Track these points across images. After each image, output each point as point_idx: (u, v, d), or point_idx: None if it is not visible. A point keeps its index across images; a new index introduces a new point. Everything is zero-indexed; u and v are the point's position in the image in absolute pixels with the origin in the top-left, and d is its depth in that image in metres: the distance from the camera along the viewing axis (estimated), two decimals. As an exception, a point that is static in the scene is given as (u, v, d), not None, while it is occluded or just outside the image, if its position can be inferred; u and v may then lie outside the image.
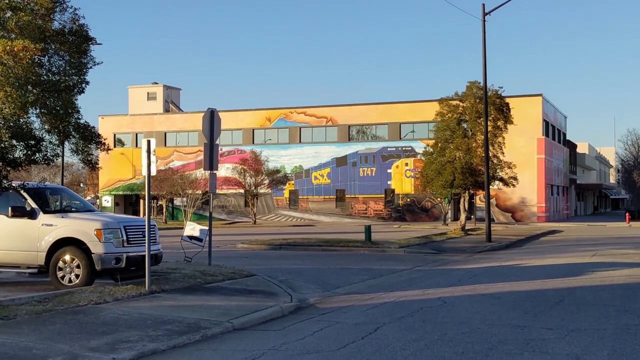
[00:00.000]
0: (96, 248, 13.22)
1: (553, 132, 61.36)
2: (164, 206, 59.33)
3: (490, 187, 33.68)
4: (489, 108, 33.53)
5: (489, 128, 33.53)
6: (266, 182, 55.35)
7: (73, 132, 13.80)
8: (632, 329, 9.86)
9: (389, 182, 57.95)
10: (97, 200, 67.20)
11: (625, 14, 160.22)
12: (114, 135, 64.68)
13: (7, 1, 12.42)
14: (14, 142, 12.69)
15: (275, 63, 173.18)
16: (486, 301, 12.57)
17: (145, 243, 12.86)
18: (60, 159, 32.02)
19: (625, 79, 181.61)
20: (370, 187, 58.41)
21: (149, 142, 13.03)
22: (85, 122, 14.00)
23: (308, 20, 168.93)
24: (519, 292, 13.74)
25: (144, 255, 12.89)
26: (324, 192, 60.06)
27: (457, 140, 35.60)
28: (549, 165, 57.30)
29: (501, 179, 37.10)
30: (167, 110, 66.74)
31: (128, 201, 66.98)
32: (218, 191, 54.68)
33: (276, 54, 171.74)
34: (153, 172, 13.20)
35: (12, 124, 12.32)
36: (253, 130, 62.20)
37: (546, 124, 57.13)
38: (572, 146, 74.42)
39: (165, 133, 64.74)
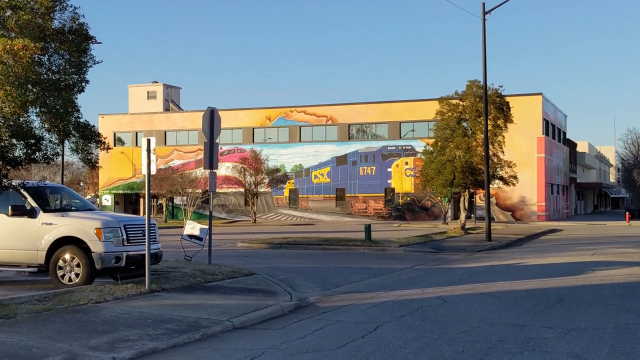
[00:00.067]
0: (96, 247, 13.23)
1: (553, 131, 61.36)
2: (164, 205, 59.33)
3: (490, 186, 33.67)
4: (489, 107, 33.53)
5: (489, 127, 33.53)
6: (266, 181, 55.36)
7: (73, 131, 13.80)
8: (632, 327, 9.87)
9: (389, 181, 57.96)
10: (97, 199, 67.22)
11: (626, 13, 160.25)
12: (114, 134, 64.68)
13: (7, 0, 12.41)
14: (14, 141, 12.68)
15: (275, 62, 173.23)
16: (486, 300, 12.57)
17: (145, 242, 12.86)
18: (60, 158, 32.01)
19: (625, 77, 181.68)
20: (370, 186, 58.42)
21: (149, 141, 13.04)
22: (85, 121, 14.01)
23: (308, 19, 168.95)
24: (519, 291, 13.74)
25: (144, 254, 12.89)
26: (324, 191, 60.06)
27: (457, 139, 35.61)
28: (549, 164, 57.30)
29: (501, 178, 37.11)
30: (167, 109, 66.72)
31: (128, 200, 66.97)
32: (218, 190, 54.69)
33: (276, 53, 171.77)
34: (153, 171, 13.21)
35: (12, 122, 12.31)
36: (253, 129, 62.19)
37: (546, 122, 57.12)
38: (572, 145, 74.42)
39: (165, 132, 64.73)
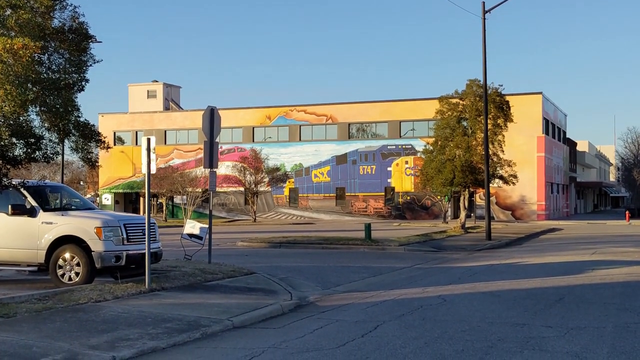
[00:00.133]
0: (96, 246, 13.23)
1: (553, 130, 61.35)
2: (164, 204, 59.34)
3: (490, 185, 33.67)
4: (489, 106, 33.52)
5: (489, 126, 33.53)
6: (266, 180, 55.36)
7: (73, 130, 13.80)
8: (632, 327, 9.87)
9: (389, 180, 57.97)
10: (97, 198, 67.23)
11: (626, 12, 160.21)
12: (114, 133, 64.67)
13: (6, -1, 12.41)
14: (14, 140, 12.69)
15: (275, 61, 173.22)
16: (486, 299, 12.58)
17: (145, 241, 12.86)
18: (60, 157, 32.03)
19: (625, 77, 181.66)
20: (370, 185, 58.43)
21: (148, 140, 13.04)
22: (85, 120, 14.01)
23: (308, 18, 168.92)
24: (519, 290, 13.75)
25: (144, 253, 12.89)
26: (324, 190, 60.07)
27: (457, 138, 35.60)
28: (548, 163, 57.30)
29: (501, 177, 37.11)
30: (167, 108, 66.72)
31: (128, 199, 66.99)
32: (218, 189, 54.67)
33: (276, 52, 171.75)
34: (153, 170, 13.21)
35: (12, 121, 12.31)
36: (253, 128, 62.19)
37: (546, 122, 57.12)
38: (572, 144, 74.40)
39: (165, 131, 64.72)
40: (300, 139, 60.80)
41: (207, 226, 17.81)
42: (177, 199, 59.95)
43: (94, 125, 14.39)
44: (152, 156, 13.05)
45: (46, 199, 14.56)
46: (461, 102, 36.39)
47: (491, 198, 40.11)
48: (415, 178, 51.52)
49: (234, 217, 60.57)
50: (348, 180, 59.23)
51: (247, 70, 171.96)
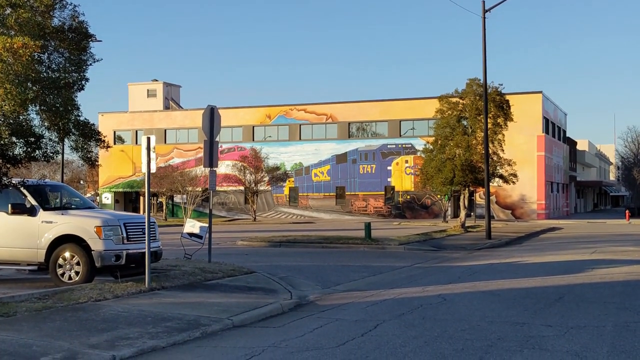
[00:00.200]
0: (96, 245, 13.22)
1: (553, 129, 61.34)
2: (164, 203, 59.34)
3: (490, 184, 33.67)
4: (489, 105, 33.51)
5: (489, 125, 33.52)
6: (266, 179, 55.35)
7: (73, 129, 13.80)
8: (632, 326, 9.87)
9: (388, 179, 57.96)
10: (97, 198, 67.23)
11: (626, 10, 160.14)
12: (114, 132, 64.63)
13: (6, -2, 12.41)
14: (14, 139, 12.68)
15: (275, 60, 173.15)
16: (486, 298, 12.57)
17: (145, 240, 12.86)
18: (60, 156, 32.03)
19: (625, 76, 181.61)
20: (370, 184, 58.43)
21: (148, 139, 13.03)
22: (85, 119, 14.01)
23: (308, 17, 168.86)
24: (519, 289, 13.74)
25: (144, 253, 12.89)
26: (324, 189, 60.07)
27: (457, 138, 35.59)
28: (548, 163, 57.29)
29: (501, 176, 37.10)
30: (167, 107, 66.71)
31: (128, 198, 66.99)
32: (218, 188, 54.66)
33: (277, 51, 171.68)
34: (153, 169, 13.20)
35: (11, 121, 12.31)
36: (253, 127, 62.18)
37: (546, 121, 57.11)
38: (572, 143, 74.40)
39: (165, 130, 64.71)
40: (300, 138, 60.80)
41: (207, 225, 17.81)
42: (177, 198, 59.95)
43: (93, 125, 14.39)
44: (152, 155, 13.04)
45: (46, 198, 14.56)
46: (461, 101, 36.38)
47: (491, 197, 40.10)
48: (415, 177, 51.51)
49: (234, 216, 60.56)
50: (348, 180, 59.23)
51: (247, 70, 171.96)
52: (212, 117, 17.20)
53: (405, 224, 47.45)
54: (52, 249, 13.46)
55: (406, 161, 57.33)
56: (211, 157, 17.20)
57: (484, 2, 30.95)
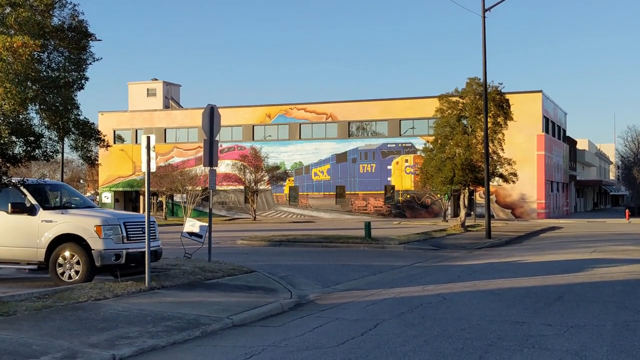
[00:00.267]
0: (96, 244, 13.22)
1: (553, 128, 61.33)
2: (164, 202, 59.34)
3: (490, 183, 33.65)
4: (489, 104, 33.50)
5: (489, 124, 33.51)
6: (266, 178, 55.34)
7: (73, 129, 13.79)
8: (632, 325, 9.86)
9: (388, 179, 57.95)
10: (97, 197, 67.22)
11: (626, 10, 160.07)
12: (114, 131, 64.61)
13: (6, -3, 12.40)
14: (14, 138, 12.68)
15: (275, 59, 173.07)
16: (486, 297, 12.57)
17: (145, 239, 12.86)
18: (59, 155, 32.00)
19: (625, 75, 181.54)
20: (370, 183, 58.42)
21: (148, 138, 13.03)
22: (85, 118, 14.00)
23: (308, 17, 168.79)
24: (519, 288, 13.74)
25: (144, 252, 12.89)
26: (323, 189, 60.06)
27: (457, 137, 35.59)
28: (548, 162, 57.28)
29: (501, 176, 37.10)
30: (166, 106, 66.70)
31: (128, 197, 66.98)
32: (218, 187, 54.68)
33: (277, 50, 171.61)
34: (153, 169, 13.20)
35: (11, 120, 12.31)
36: (253, 126, 62.17)
37: (546, 120, 57.10)
38: (572, 142, 74.39)
39: (165, 129, 64.69)
40: (300, 138, 60.79)
41: (207, 224, 17.80)
42: (177, 198, 59.94)
43: (93, 124, 14.38)
44: (152, 154, 13.04)
45: (46, 197, 14.56)
46: (461, 100, 36.37)
47: (491, 196, 40.10)
48: (415, 176, 51.51)
49: (233, 215, 60.56)
50: (348, 179, 59.21)
51: (247, 69, 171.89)
52: (212, 117, 17.19)
53: (405, 223, 47.45)
54: (52, 248, 13.45)
55: (406, 160, 57.33)
56: (211, 156, 17.20)
57: (483, 1, 30.93)
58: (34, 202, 13.79)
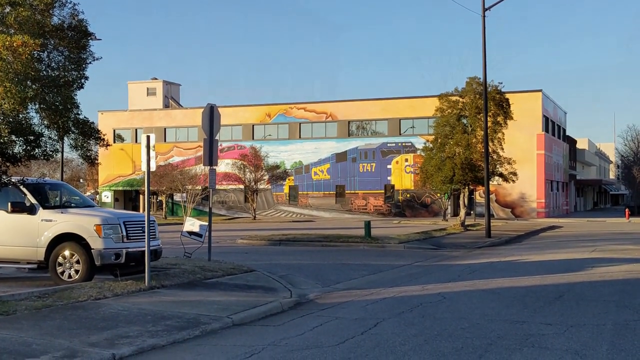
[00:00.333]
0: (96, 243, 13.22)
1: (553, 127, 61.33)
2: (164, 202, 59.33)
3: (490, 182, 33.66)
4: (489, 104, 33.50)
5: (489, 124, 33.51)
6: (266, 177, 55.35)
7: (72, 128, 13.78)
8: (632, 324, 9.87)
9: (388, 178, 57.94)
10: (97, 196, 67.22)
11: (626, 9, 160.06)
12: (114, 130, 64.48)
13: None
14: (14, 137, 12.68)
15: (275, 59, 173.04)
16: (486, 296, 12.57)
17: (144, 239, 12.86)
18: (59, 155, 31.98)
19: (625, 74, 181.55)
20: (370, 182, 58.42)
21: (148, 137, 13.03)
22: (85, 117, 13.99)
23: (308, 16, 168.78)
24: (519, 287, 13.74)
25: (144, 251, 12.89)
26: (323, 188, 60.06)
27: (457, 136, 35.59)
28: (548, 161, 57.28)
29: (501, 175, 37.10)
30: (166, 105, 66.68)
31: (128, 197, 66.97)
32: (218, 187, 54.67)
33: (276, 49, 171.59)
34: (152, 168, 13.19)
35: (11, 119, 12.31)
36: (253, 125, 62.17)
37: (546, 119, 57.10)
38: (571, 142, 74.38)
39: (164, 129, 64.68)
40: (300, 137, 60.78)
41: (206, 224, 17.80)
42: (177, 197, 59.93)
43: (93, 123, 14.37)
44: (152, 154, 13.04)
45: (46, 196, 14.56)
46: (461, 99, 36.37)
47: (491, 196, 40.09)
48: (415, 176, 51.52)
49: (233, 214, 60.56)
50: (348, 178, 59.21)
51: (247, 68, 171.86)
52: (211, 116, 17.19)
53: (405, 222, 47.45)
54: (51, 247, 13.45)
55: (406, 160, 57.32)
56: (211, 155, 17.20)
57: (483, 0, 30.91)
58: (33, 201, 13.79)
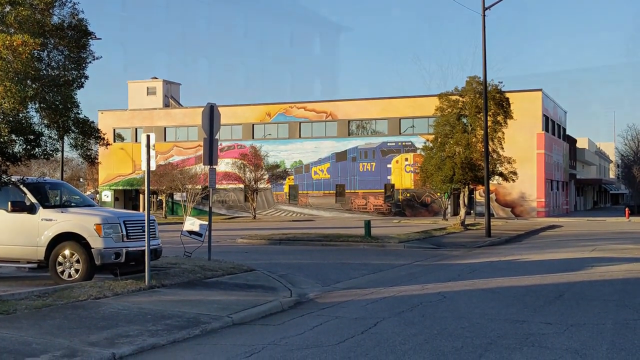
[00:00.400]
0: (96, 243, 13.22)
1: (553, 127, 61.33)
2: (164, 201, 59.32)
3: (490, 182, 33.66)
4: (489, 103, 33.49)
5: (489, 123, 33.51)
6: (266, 177, 55.36)
7: (72, 127, 13.77)
8: (632, 323, 9.87)
9: (388, 177, 57.94)
10: (97, 195, 67.22)
11: (626, 8, 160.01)
12: (114, 130, 64.61)
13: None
14: (14, 136, 12.67)
15: (275, 58, 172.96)
16: (486, 296, 12.58)
17: (144, 238, 12.86)
18: (59, 154, 31.99)
19: (625, 74, 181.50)
20: (370, 182, 58.42)
21: (148, 137, 13.03)
22: (85, 117, 13.98)
23: (308, 15, 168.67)
24: (519, 286, 13.75)
25: (144, 250, 12.89)
26: (323, 187, 60.06)
27: (457, 135, 35.58)
28: (548, 160, 57.29)
29: (501, 174, 37.09)
30: (166, 105, 66.67)
31: (128, 196, 66.97)
32: (218, 186, 54.68)
33: (276, 49, 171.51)
34: (153, 167, 13.20)
35: (11, 118, 12.30)
36: (253, 125, 62.16)
37: (546, 119, 57.10)
38: (571, 141, 74.39)
39: (164, 128, 64.68)
40: (300, 136, 60.78)
41: (206, 223, 17.81)
42: (177, 196, 59.92)
43: (93, 122, 14.36)
44: (152, 153, 13.04)
45: (46, 195, 14.56)
46: (461, 99, 36.37)
47: (491, 195, 40.11)
48: (415, 175, 51.52)
49: (233, 214, 60.57)
50: (348, 178, 59.21)
51: (247, 68, 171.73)
52: (211, 115, 17.19)
53: (405, 222, 47.45)
54: (51, 246, 13.46)
55: (406, 159, 57.31)
56: (211, 155, 17.20)
57: (483, 0, 30.89)
58: (33, 200, 13.79)
